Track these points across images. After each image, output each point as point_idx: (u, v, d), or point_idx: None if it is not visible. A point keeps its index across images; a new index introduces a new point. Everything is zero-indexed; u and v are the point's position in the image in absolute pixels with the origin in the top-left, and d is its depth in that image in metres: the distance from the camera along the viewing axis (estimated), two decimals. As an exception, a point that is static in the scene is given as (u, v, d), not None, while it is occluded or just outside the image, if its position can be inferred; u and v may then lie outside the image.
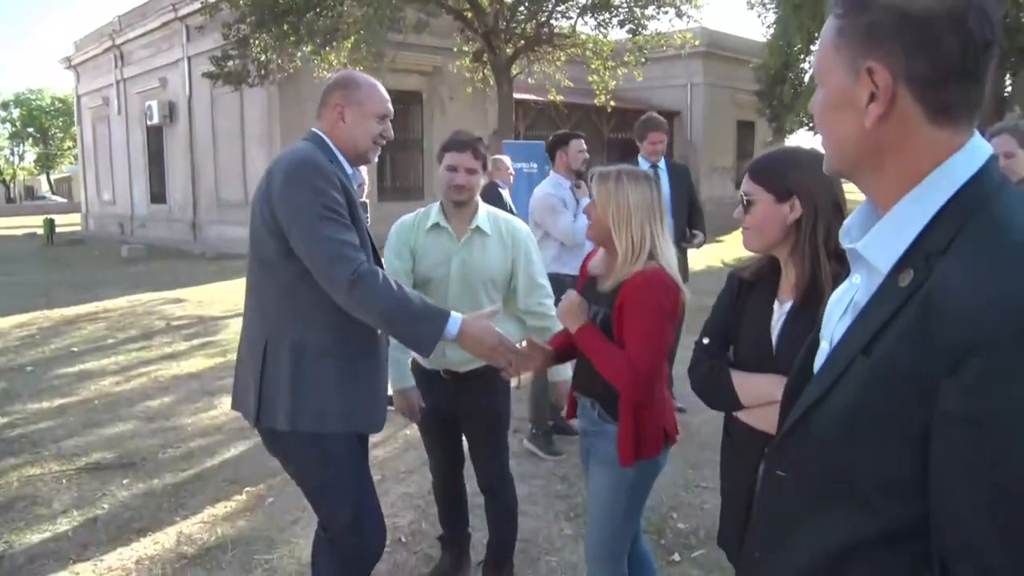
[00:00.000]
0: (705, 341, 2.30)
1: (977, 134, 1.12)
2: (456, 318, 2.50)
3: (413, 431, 5.51)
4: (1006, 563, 0.98)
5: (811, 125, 21.24)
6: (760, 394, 2.09)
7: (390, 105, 2.74)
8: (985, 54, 1.07)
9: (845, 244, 1.24)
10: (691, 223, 5.97)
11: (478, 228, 3.29)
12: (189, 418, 6.11)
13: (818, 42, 1.20)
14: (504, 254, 3.33)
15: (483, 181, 3.36)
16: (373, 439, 5.54)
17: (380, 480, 4.83)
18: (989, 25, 1.06)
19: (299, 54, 15.83)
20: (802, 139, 35.79)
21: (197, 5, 16.80)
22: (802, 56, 18.04)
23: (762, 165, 2.14)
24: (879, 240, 1.15)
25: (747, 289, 2.26)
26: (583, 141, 5.47)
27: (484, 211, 3.36)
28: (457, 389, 3.38)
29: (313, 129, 2.69)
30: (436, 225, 3.31)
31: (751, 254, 2.30)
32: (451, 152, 3.26)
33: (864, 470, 1.12)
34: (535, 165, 11.67)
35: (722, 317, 2.30)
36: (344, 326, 2.51)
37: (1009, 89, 16.89)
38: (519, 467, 4.69)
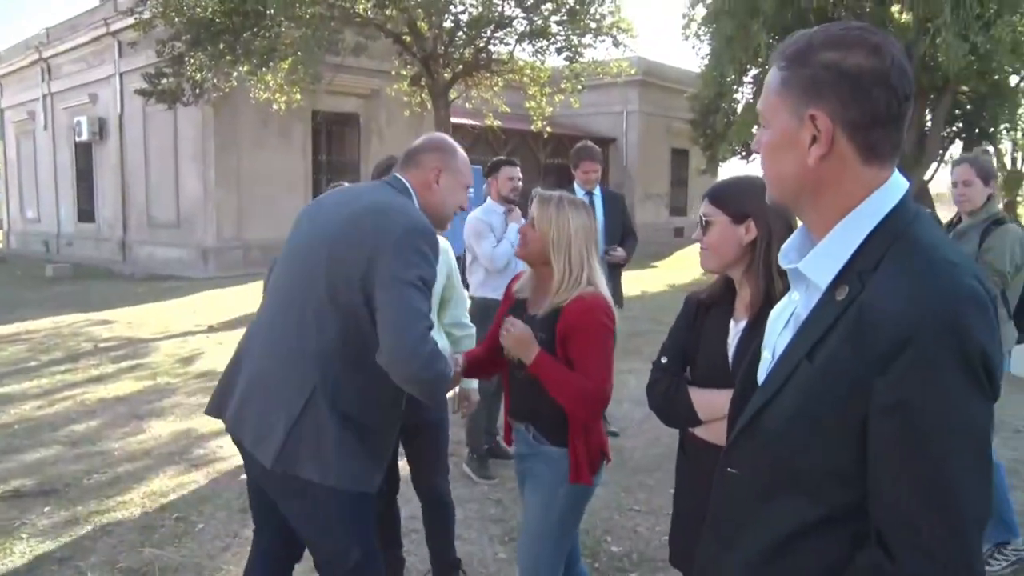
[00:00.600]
0: (663, 360, 2.40)
1: (897, 171, 1.32)
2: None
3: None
4: (934, 527, 1.16)
5: (744, 154, 21.83)
6: (717, 408, 2.14)
7: (472, 176, 2.83)
8: (904, 104, 1.27)
9: (784, 265, 1.42)
10: (624, 244, 6.03)
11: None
12: (116, 443, 5.95)
13: (764, 88, 1.37)
14: (440, 268, 3.42)
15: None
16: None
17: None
18: (908, 81, 1.26)
19: (235, 74, 15.67)
20: (735, 168, 36.60)
21: (130, 20, 16.48)
22: (735, 87, 18.46)
23: (721, 189, 2.27)
24: (818, 260, 1.33)
25: (704, 311, 2.36)
26: (516, 168, 5.51)
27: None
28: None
29: (401, 179, 2.66)
30: None
31: (691, 280, 2.39)
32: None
33: (808, 462, 1.29)
34: (472, 189, 11.67)
35: (680, 338, 2.40)
36: (378, 400, 2.53)
37: (929, 123, 17.57)
38: (454, 491, 4.68)
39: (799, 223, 1.44)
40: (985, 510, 1.20)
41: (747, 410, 1.42)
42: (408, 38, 16.02)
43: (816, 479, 1.29)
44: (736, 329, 2.24)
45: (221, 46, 14.50)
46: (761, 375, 1.47)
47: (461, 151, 2.75)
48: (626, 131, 27.44)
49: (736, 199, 2.20)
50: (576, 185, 5.95)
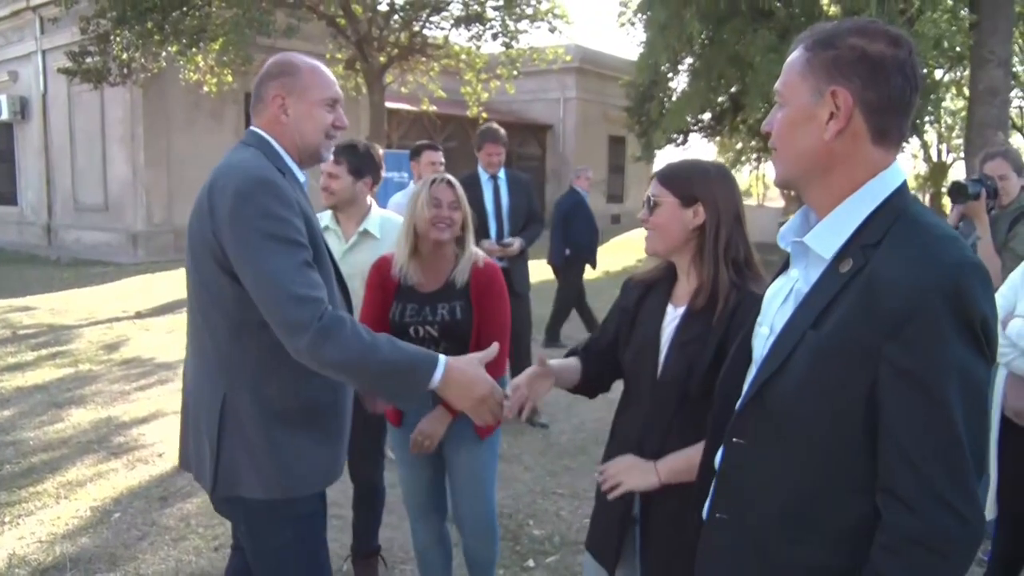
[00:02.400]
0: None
1: (898, 159, 1.46)
2: (441, 361, 2.11)
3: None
4: (946, 478, 1.28)
5: (679, 142, 22.07)
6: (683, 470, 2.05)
7: (338, 88, 2.34)
8: (915, 95, 1.39)
9: (783, 245, 1.54)
10: (526, 230, 6.11)
11: (366, 231, 3.57)
12: (31, 432, 5.79)
13: (785, 69, 1.47)
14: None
15: (359, 184, 3.59)
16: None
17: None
18: (920, 74, 1.39)
19: (163, 54, 15.28)
20: (670, 155, 36.98)
21: (52, -4, 15.93)
22: (669, 75, 18.65)
23: (671, 171, 2.24)
24: (823, 234, 1.44)
25: (643, 294, 2.36)
26: (439, 152, 5.57)
27: (377, 215, 3.63)
28: None
29: (253, 129, 2.27)
30: (326, 227, 3.59)
31: (623, 267, 2.42)
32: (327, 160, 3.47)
33: (818, 427, 1.38)
34: (406, 174, 11.70)
35: (613, 319, 2.41)
36: (312, 373, 2.11)
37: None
38: (377, 477, 4.68)
39: (781, 214, 1.53)
40: (983, 461, 1.33)
41: (753, 382, 1.51)
42: (342, 20, 15.81)
43: (825, 443, 1.38)
44: (674, 314, 2.22)
45: (149, 25, 14.10)
46: (759, 350, 1.56)
47: (305, 62, 2.28)
48: (563, 118, 27.52)
49: (686, 181, 2.17)
50: (480, 168, 6.04)
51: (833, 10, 15.39)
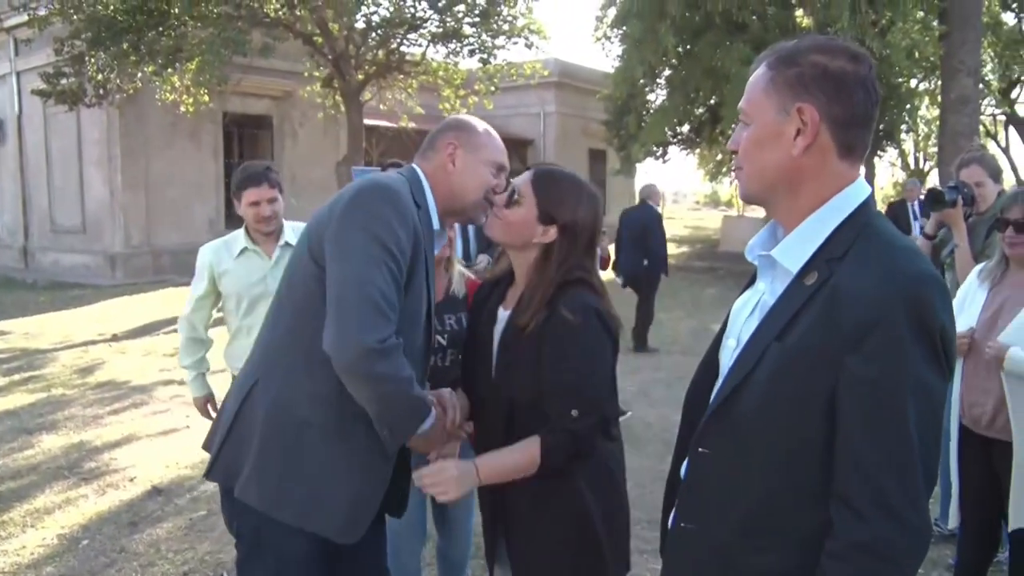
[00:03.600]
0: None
1: (862, 174, 1.51)
2: (432, 415, 2.08)
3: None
4: (897, 488, 1.30)
5: (658, 155, 22.18)
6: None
7: (506, 157, 2.29)
8: (875, 109, 1.44)
9: (752, 256, 1.56)
10: (494, 247, 6.11)
11: (287, 244, 3.57)
12: (0, 459, 5.71)
13: (748, 88, 1.49)
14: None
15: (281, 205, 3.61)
16: (202, 471, 5.38)
17: (206, 515, 4.68)
18: (878, 88, 1.43)
19: (139, 74, 15.23)
20: (649, 167, 37.15)
21: (25, 17, 15.81)
22: (647, 89, 18.77)
23: (547, 177, 2.20)
24: (790, 248, 1.46)
25: (489, 290, 2.38)
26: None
27: (289, 226, 3.64)
28: None
29: (413, 166, 2.22)
30: (244, 249, 3.60)
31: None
32: (250, 189, 3.52)
33: (780, 437, 1.41)
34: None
35: (472, 317, 2.44)
36: (345, 393, 1.98)
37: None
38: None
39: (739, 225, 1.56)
40: (934, 472, 1.36)
41: (718, 393, 1.53)
42: (319, 39, 15.79)
43: (787, 452, 1.41)
44: (502, 317, 2.23)
45: (124, 45, 14.04)
46: (725, 362, 1.58)
47: (482, 125, 2.28)
48: (544, 132, 27.59)
49: (556, 200, 2.15)
50: None
51: (806, 22, 15.56)
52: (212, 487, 5.11)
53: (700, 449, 1.55)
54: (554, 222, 2.13)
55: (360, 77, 16.61)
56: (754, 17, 14.57)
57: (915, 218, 10.68)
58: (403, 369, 1.93)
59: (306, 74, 17.87)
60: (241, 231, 3.67)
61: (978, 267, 3.35)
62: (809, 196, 1.45)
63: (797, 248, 1.45)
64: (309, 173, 19.39)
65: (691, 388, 1.73)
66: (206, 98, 15.86)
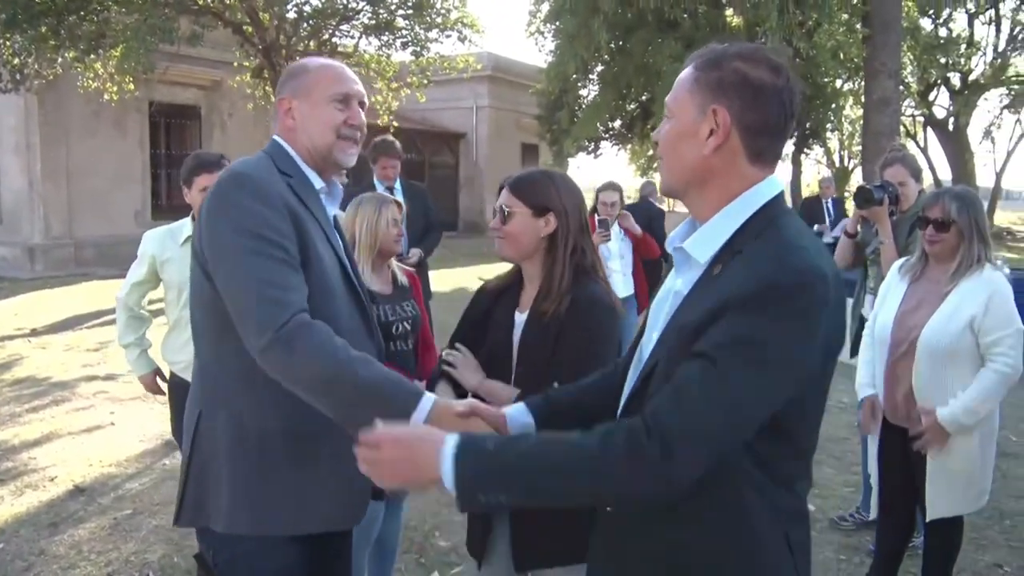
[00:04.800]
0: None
1: (775, 173, 1.55)
2: (426, 401, 1.82)
3: (173, 461, 5.27)
4: (686, 428, 1.34)
5: (590, 149, 22.35)
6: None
7: (354, 84, 2.12)
8: (790, 122, 1.51)
9: (671, 248, 1.60)
10: (425, 240, 6.25)
11: None
12: (-88, 459, 5.47)
13: (676, 85, 1.56)
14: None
15: None
16: (128, 469, 5.28)
17: (131, 514, 4.58)
18: (796, 102, 1.50)
19: (60, 60, 14.72)
20: (582, 162, 37.40)
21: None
22: (579, 84, 18.89)
23: (522, 181, 2.32)
24: (700, 240, 1.52)
25: (493, 301, 2.43)
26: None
27: None
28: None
29: (273, 137, 2.14)
30: (190, 237, 3.48)
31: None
32: (203, 175, 3.57)
33: None
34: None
35: (465, 326, 2.45)
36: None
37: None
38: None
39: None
40: (735, 435, 1.38)
41: (629, 384, 1.62)
42: (249, 28, 15.50)
43: None
44: (520, 320, 2.32)
45: (43, 29, 13.52)
46: (646, 351, 1.64)
47: (318, 62, 2.14)
48: (476, 126, 27.57)
49: (538, 192, 2.27)
50: (376, 180, 6.12)
51: (736, 21, 15.84)
52: (138, 485, 5.03)
53: None
54: (548, 210, 2.25)
55: (291, 67, 16.34)
56: (685, 15, 14.79)
57: (829, 215, 10.83)
58: (324, 345, 1.78)
59: (236, 64, 17.50)
60: (188, 220, 3.67)
61: (899, 262, 3.48)
62: (719, 192, 1.52)
63: (707, 241, 1.51)
64: (238, 165, 18.99)
65: (617, 382, 1.76)
66: (131, 86, 15.42)
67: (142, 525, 4.41)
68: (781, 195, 1.54)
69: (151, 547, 4.17)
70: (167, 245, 3.67)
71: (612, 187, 6.51)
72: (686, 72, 1.55)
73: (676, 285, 1.59)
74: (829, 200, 11.31)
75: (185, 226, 3.67)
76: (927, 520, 3.27)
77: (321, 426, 1.90)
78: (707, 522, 1.47)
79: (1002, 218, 36.24)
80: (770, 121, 1.48)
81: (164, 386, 3.91)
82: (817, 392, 1.50)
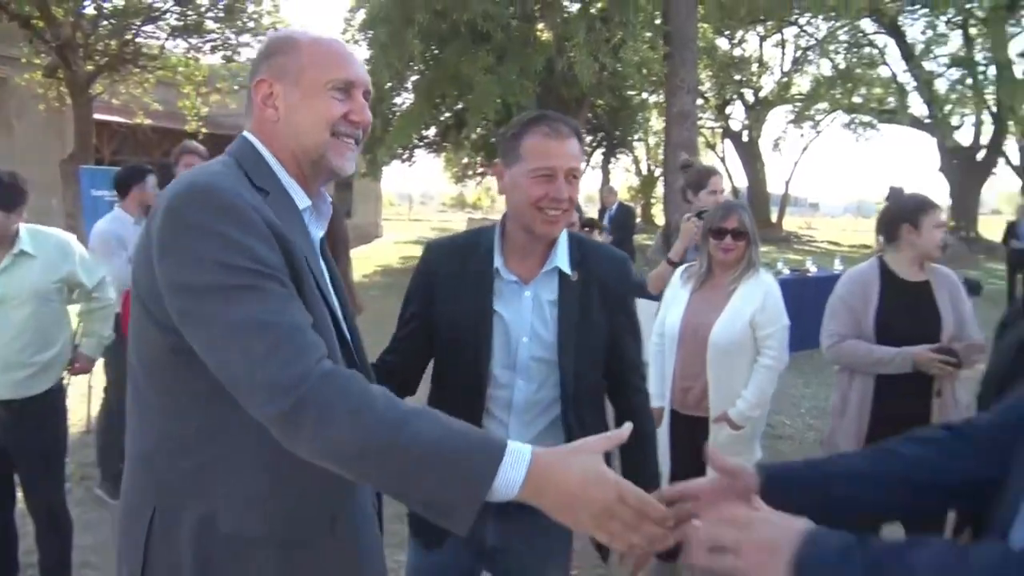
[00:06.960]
0: None
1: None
2: (522, 453, 1.28)
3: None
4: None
5: (404, 158, 22.44)
6: None
7: (359, 68, 1.60)
8: None
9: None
10: None
11: (22, 252, 3.36)
12: None
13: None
14: (57, 266, 3.45)
15: (12, 217, 3.32)
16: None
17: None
18: None
19: None
20: (396, 171, 37.31)
21: None
22: (393, 93, 18.96)
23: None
24: None
25: None
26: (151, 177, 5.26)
27: (26, 233, 3.41)
28: (10, 421, 3.29)
29: (243, 133, 1.59)
30: None
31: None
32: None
33: None
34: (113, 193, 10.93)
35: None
36: (293, 486, 1.46)
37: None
38: (85, 515, 4.42)
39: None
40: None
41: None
42: (40, 23, 14.56)
43: None
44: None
45: None
46: None
47: (310, 36, 1.59)
48: (292, 132, 27.01)
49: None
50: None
51: (546, 36, 16.43)
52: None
53: None
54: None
55: (89, 68, 15.52)
56: (498, 29, 15.17)
57: (608, 222, 10.58)
58: (367, 402, 1.29)
59: (24, 60, 16.37)
60: None
61: (681, 268, 3.81)
62: None
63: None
64: (28, 171, 17.35)
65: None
66: None
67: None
68: None
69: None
70: None
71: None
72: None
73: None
74: (613, 208, 11.32)
75: None
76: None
77: (322, 527, 1.52)
78: None
79: (790, 223, 39.24)
80: None
81: None
82: None
